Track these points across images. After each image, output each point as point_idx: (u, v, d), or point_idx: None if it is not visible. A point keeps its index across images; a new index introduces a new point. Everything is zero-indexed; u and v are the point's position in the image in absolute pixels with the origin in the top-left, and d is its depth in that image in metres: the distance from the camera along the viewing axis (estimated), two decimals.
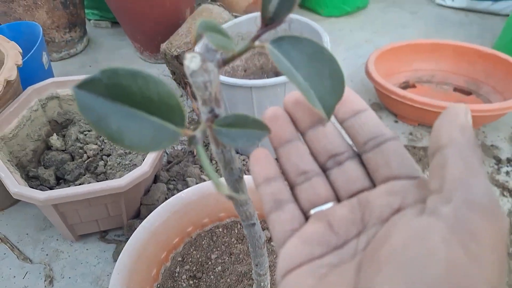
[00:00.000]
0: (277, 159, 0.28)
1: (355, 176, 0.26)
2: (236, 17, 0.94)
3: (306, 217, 0.27)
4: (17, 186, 0.57)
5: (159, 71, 1.21)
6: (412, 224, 0.20)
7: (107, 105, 0.19)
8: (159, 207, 0.54)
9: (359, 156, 0.27)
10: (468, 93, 1.05)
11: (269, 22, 0.21)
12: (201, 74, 0.21)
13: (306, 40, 0.21)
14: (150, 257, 0.51)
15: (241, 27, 0.91)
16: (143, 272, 0.50)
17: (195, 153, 0.87)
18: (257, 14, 0.93)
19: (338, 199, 0.27)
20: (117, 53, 1.33)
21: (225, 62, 0.22)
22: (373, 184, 0.26)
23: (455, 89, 1.07)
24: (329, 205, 0.26)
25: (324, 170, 0.28)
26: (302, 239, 0.25)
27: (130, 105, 0.19)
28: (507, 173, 0.87)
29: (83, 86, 0.19)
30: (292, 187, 0.28)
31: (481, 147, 0.92)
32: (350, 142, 0.28)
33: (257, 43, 0.22)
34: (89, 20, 1.48)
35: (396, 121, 0.99)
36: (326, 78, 0.22)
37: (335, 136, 0.27)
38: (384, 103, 1.01)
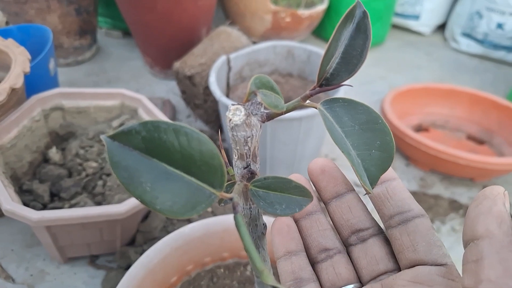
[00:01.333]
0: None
1: (379, 256, 0.25)
2: (254, 43, 0.93)
3: None
4: (10, 203, 0.53)
5: (168, 88, 1.19)
6: None
7: (143, 161, 0.16)
8: (159, 242, 0.51)
9: (383, 234, 0.26)
10: (481, 142, 1.04)
11: (324, 83, 0.19)
12: (243, 128, 0.19)
13: (361, 106, 0.19)
14: None
15: (259, 54, 0.90)
16: None
17: None
18: (276, 43, 0.92)
19: (360, 280, 0.26)
20: (126, 65, 1.32)
21: (269, 117, 0.20)
22: (397, 265, 0.25)
23: (468, 137, 1.06)
24: (351, 287, 0.25)
25: (347, 245, 0.27)
26: None
27: (168, 163, 0.17)
28: None
29: (118, 137, 0.16)
30: (313, 264, 0.27)
31: None
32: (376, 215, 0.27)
33: (307, 102, 0.20)
34: (101, 28, 1.47)
35: (407, 165, 0.97)
36: (375, 149, 0.20)
37: (360, 210, 0.26)
38: (396, 145, 1.00)
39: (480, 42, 1.41)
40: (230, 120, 0.18)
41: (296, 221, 0.27)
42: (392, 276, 0.24)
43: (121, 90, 0.79)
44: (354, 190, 0.27)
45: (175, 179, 0.17)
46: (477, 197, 0.21)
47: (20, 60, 0.67)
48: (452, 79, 1.33)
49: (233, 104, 0.18)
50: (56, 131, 0.76)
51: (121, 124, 0.80)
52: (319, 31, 1.51)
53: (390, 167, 0.25)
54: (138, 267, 0.47)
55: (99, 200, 0.68)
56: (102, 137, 0.16)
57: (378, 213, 0.26)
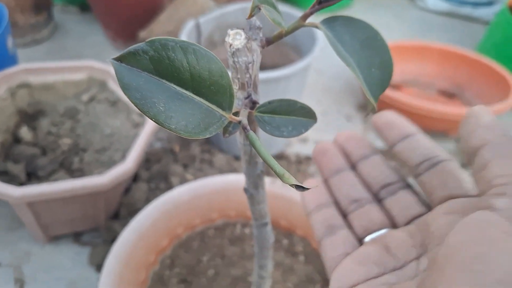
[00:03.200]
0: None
1: (410, 202, 0.26)
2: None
3: (361, 244, 0.26)
4: None
5: None
6: (468, 221, 0.19)
7: (154, 82, 0.17)
8: (148, 207, 0.51)
9: (412, 188, 0.27)
10: (451, 96, 1.08)
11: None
12: (245, 53, 0.20)
13: (361, 22, 0.20)
14: (138, 260, 0.49)
15: (228, 17, 0.90)
16: (132, 276, 0.47)
17: (176, 151, 0.85)
18: (245, 5, 0.92)
19: (394, 226, 0.27)
20: (87, 40, 1.28)
21: (269, 42, 0.21)
22: (430, 209, 0.25)
23: (439, 92, 1.10)
24: (385, 231, 0.26)
25: (378, 199, 0.28)
26: (358, 260, 0.24)
27: (178, 83, 0.17)
28: None
29: (125, 59, 0.17)
30: (345, 216, 0.28)
31: None
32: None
33: (308, 21, 0.20)
34: (56, 4, 1.42)
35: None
36: (376, 67, 0.21)
37: (386, 167, 0.28)
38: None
39: None
40: (231, 45, 0.19)
41: (327, 180, 0.28)
42: (426, 214, 0.25)
43: (88, 62, 0.77)
44: (379, 152, 0.29)
45: (186, 100, 0.17)
46: (464, 119, 0.23)
47: None
48: (421, 38, 1.36)
49: (231, 29, 0.19)
50: (25, 110, 0.74)
51: (92, 98, 0.79)
52: None
53: (409, 122, 0.27)
54: (130, 232, 0.48)
55: (78, 176, 0.68)
56: (110, 60, 0.17)
57: (406, 165, 0.27)
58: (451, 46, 1.08)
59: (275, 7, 0.19)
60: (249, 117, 0.21)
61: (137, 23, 1.09)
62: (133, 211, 0.70)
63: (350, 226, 0.27)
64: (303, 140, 0.93)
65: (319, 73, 1.18)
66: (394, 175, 0.27)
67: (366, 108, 1.05)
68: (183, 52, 0.17)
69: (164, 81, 0.17)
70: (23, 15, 1.16)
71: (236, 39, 0.19)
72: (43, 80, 0.75)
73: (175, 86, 0.17)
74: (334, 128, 0.99)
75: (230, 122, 0.19)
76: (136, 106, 0.17)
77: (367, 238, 0.26)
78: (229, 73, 0.19)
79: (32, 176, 0.68)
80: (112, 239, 0.68)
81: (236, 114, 0.21)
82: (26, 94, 0.74)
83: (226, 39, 0.19)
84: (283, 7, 0.91)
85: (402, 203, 0.26)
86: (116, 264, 0.45)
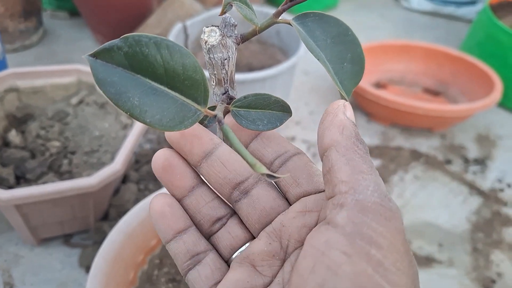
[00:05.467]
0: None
1: (268, 204, 0.23)
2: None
3: (229, 265, 0.24)
4: None
5: None
6: (314, 243, 0.19)
7: (128, 77, 0.17)
8: (136, 207, 0.51)
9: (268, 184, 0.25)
10: (436, 94, 1.10)
11: None
12: (220, 50, 0.20)
13: (331, 18, 0.21)
14: (126, 260, 0.49)
15: (215, 20, 0.90)
16: (120, 276, 0.47)
17: None
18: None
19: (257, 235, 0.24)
20: (76, 45, 1.28)
21: (244, 39, 0.21)
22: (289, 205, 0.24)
23: (425, 90, 1.11)
24: (247, 245, 0.24)
25: (232, 203, 0.25)
26: None
27: (153, 78, 0.18)
28: (474, 172, 0.91)
29: (100, 54, 0.17)
30: (209, 237, 0.25)
31: (450, 147, 0.96)
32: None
33: (280, 18, 0.21)
34: (45, 10, 1.41)
35: (368, 121, 1.02)
36: (347, 61, 0.22)
37: (234, 162, 0.23)
38: (357, 102, 1.03)
39: None
40: (206, 42, 0.19)
41: (180, 201, 0.24)
42: (281, 214, 0.23)
43: (76, 65, 0.77)
44: (223, 143, 0.24)
45: (161, 94, 0.18)
46: (322, 116, 0.22)
47: None
48: (406, 37, 1.38)
49: (207, 26, 0.19)
50: (13, 114, 0.74)
51: (80, 101, 0.79)
52: None
53: None
54: (117, 233, 0.48)
55: (67, 178, 0.68)
56: (85, 56, 0.17)
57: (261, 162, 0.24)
58: (435, 45, 1.10)
59: (247, 4, 0.20)
60: (226, 112, 0.22)
61: (127, 27, 1.09)
62: (123, 212, 0.70)
63: (216, 248, 0.25)
64: (290, 138, 0.94)
65: (306, 74, 1.19)
66: (243, 169, 0.24)
67: (352, 107, 1.06)
68: (156, 47, 0.17)
69: (138, 76, 0.17)
70: (12, 21, 1.15)
71: (211, 36, 0.19)
72: (32, 84, 0.75)
73: (149, 81, 0.17)
74: None
75: (206, 116, 0.20)
76: (111, 100, 0.17)
77: (234, 256, 0.24)
78: (206, 71, 0.19)
79: (21, 179, 0.68)
80: (102, 240, 0.67)
81: (213, 108, 0.21)
82: (15, 98, 0.74)
83: (202, 36, 0.20)
84: (262, 8, 0.92)
85: (259, 207, 0.23)
86: (103, 265, 0.45)
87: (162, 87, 0.18)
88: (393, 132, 0.99)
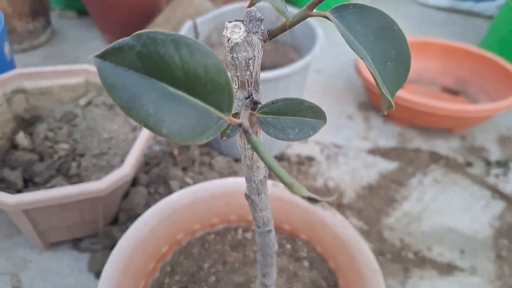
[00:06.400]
0: None
1: None
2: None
3: None
4: None
5: None
6: None
7: (142, 81, 0.15)
8: (146, 213, 0.49)
9: None
10: (455, 93, 1.06)
11: None
12: (245, 48, 0.18)
13: (374, 11, 0.18)
14: (137, 268, 0.47)
15: (226, 18, 0.88)
16: (131, 285, 0.45)
17: (175, 154, 0.83)
18: (243, 4, 0.90)
19: None
20: (84, 46, 1.27)
21: (272, 35, 0.19)
22: None
23: (443, 89, 1.08)
24: None
25: None
26: None
27: (170, 82, 0.15)
28: (497, 175, 0.87)
29: (109, 55, 0.15)
30: None
31: (470, 149, 0.93)
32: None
33: (315, 11, 0.18)
34: (53, 9, 1.40)
35: (385, 122, 0.99)
36: (391, 60, 0.19)
37: None
38: (373, 102, 1.01)
39: None
40: (229, 39, 0.17)
41: None
42: None
43: (84, 66, 0.75)
44: None
45: (179, 101, 0.15)
46: None
47: None
48: (422, 34, 1.34)
49: (230, 21, 0.17)
50: (21, 116, 0.72)
51: (89, 102, 0.77)
52: None
53: None
54: (127, 240, 0.46)
55: (76, 181, 0.66)
56: (91, 57, 0.15)
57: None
58: (454, 42, 1.07)
59: None
60: (251, 119, 0.19)
61: (135, 26, 1.07)
62: (132, 216, 0.69)
63: None
64: (304, 140, 0.92)
65: (319, 72, 1.16)
66: None
67: (368, 107, 1.03)
68: (174, 46, 0.15)
69: (154, 79, 0.15)
70: (20, 21, 1.14)
71: (235, 32, 0.17)
72: (39, 85, 0.73)
73: (166, 85, 0.15)
74: (335, 127, 0.97)
75: (229, 125, 0.17)
76: (122, 109, 0.15)
77: None
78: (228, 72, 0.17)
79: (29, 183, 0.66)
80: (111, 245, 0.66)
81: (236, 115, 0.19)
82: (22, 100, 0.73)
83: (224, 32, 0.17)
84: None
85: None
86: (114, 273, 0.43)
87: (181, 92, 0.15)
88: (411, 133, 0.96)
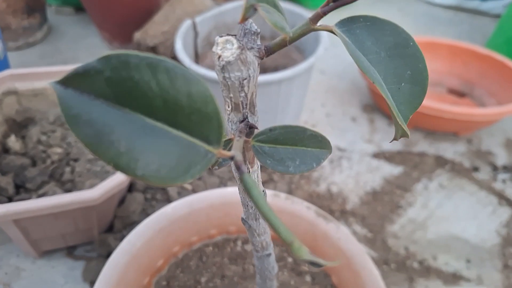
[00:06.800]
0: None
1: None
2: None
3: None
4: None
5: None
6: None
7: (112, 112, 0.12)
8: (141, 225, 0.47)
9: None
10: (462, 95, 1.04)
11: None
12: (238, 67, 0.15)
13: (388, 24, 0.16)
14: (130, 283, 0.45)
15: (226, 16, 0.85)
16: None
17: None
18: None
19: None
20: (82, 43, 1.24)
21: (269, 51, 0.16)
22: None
23: (449, 91, 1.05)
24: None
25: None
26: None
27: (146, 113, 0.13)
28: (504, 181, 0.85)
29: (71, 81, 0.12)
30: None
31: (477, 153, 0.90)
32: None
33: (319, 24, 0.16)
34: (50, 5, 1.37)
35: (390, 124, 0.96)
36: (406, 81, 0.16)
37: None
38: (377, 104, 0.98)
39: None
40: (220, 56, 0.15)
41: None
42: None
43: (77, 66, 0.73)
44: None
45: (158, 135, 0.13)
46: None
47: None
48: (427, 33, 1.31)
49: (221, 36, 0.15)
50: (13, 118, 0.70)
51: None
52: None
53: None
54: (120, 254, 0.44)
55: (69, 187, 0.64)
56: (50, 83, 0.12)
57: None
58: (460, 42, 1.04)
59: (276, 7, 0.15)
60: (245, 147, 0.17)
61: (134, 24, 1.04)
62: (128, 224, 0.66)
63: None
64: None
65: (323, 73, 1.13)
66: None
67: (372, 109, 1.00)
68: (151, 71, 0.12)
69: (126, 110, 0.12)
70: (15, 17, 1.12)
71: (227, 48, 0.15)
72: (32, 86, 0.71)
73: (142, 116, 0.13)
74: (339, 130, 0.94)
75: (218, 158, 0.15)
76: (87, 147, 0.12)
77: None
78: (216, 101, 0.14)
79: (20, 189, 0.64)
80: (107, 254, 0.64)
81: (229, 142, 0.17)
82: (14, 101, 0.70)
83: (214, 48, 0.15)
84: (283, 4, 0.87)
85: None
86: None
87: (160, 124, 0.13)
88: (416, 136, 0.93)
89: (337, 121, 0.97)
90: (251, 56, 0.15)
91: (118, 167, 0.12)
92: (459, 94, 1.04)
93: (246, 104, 0.17)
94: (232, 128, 0.18)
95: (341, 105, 1.02)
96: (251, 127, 0.17)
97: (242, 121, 0.17)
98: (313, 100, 1.02)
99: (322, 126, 0.94)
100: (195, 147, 0.13)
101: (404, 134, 0.16)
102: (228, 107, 0.17)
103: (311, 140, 0.16)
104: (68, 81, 0.12)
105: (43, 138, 0.69)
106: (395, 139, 0.17)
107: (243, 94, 0.16)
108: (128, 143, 0.12)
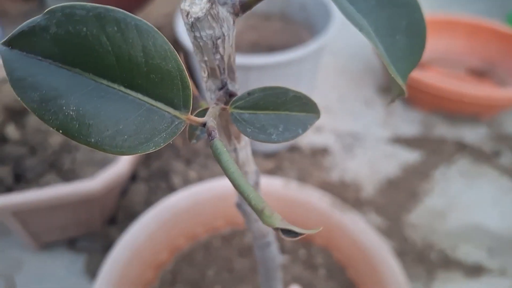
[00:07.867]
0: None
1: None
2: None
3: None
4: None
5: None
6: None
7: (60, 73, 0.11)
8: (143, 218, 0.46)
9: None
10: (482, 75, 1.00)
11: None
12: (209, 24, 0.14)
13: None
14: (134, 278, 0.44)
15: None
16: None
17: (179, 145, 0.80)
18: None
19: None
20: None
21: (244, 7, 0.15)
22: None
23: (469, 71, 1.01)
24: None
25: None
26: None
27: (98, 73, 0.12)
28: None
29: (16, 41, 0.11)
30: None
31: (498, 137, 0.87)
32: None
33: None
34: None
35: (406, 107, 0.93)
36: (401, 32, 0.15)
37: None
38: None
39: None
40: (188, 13, 0.13)
41: None
42: None
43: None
44: None
45: (113, 97, 0.12)
46: None
47: None
48: (444, 11, 1.27)
49: None
50: (12, 106, 0.70)
51: None
52: None
53: None
54: (122, 249, 0.43)
55: (70, 177, 0.63)
56: None
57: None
58: (480, 19, 1.00)
59: None
60: (223, 116, 0.15)
61: (133, 6, 1.03)
62: (132, 215, 0.66)
63: None
64: (317, 129, 0.87)
65: (334, 53, 1.10)
66: None
67: (388, 91, 0.98)
68: (99, 23, 0.11)
69: (77, 70, 0.11)
70: (13, 2, 1.12)
71: (195, 3, 0.13)
72: None
73: (93, 77, 0.11)
74: (351, 114, 0.92)
75: (194, 126, 0.14)
76: (32, 111, 0.11)
77: None
78: (178, 55, 0.13)
79: (20, 179, 0.64)
80: (109, 245, 0.63)
81: (206, 112, 0.15)
82: (12, 89, 0.70)
83: (182, 5, 0.13)
84: None
85: None
86: (107, 285, 0.40)
87: (114, 85, 0.12)
88: (435, 120, 0.91)
89: (349, 105, 0.94)
90: (224, 12, 0.14)
91: (67, 134, 0.11)
92: (479, 73, 1.00)
93: (223, 69, 0.15)
94: (211, 98, 0.16)
95: (353, 87, 0.99)
96: (231, 95, 0.16)
97: (221, 89, 0.16)
98: (323, 82, 0.99)
99: (334, 109, 0.92)
100: (158, 112, 0.12)
101: (401, 93, 0.14)
102: (205, 73, 0.15)
103: (294, 103, 0.15)
104: (13, 42, 0.11)
105: (43, 126, 0.68)
106: (391, 100, 0.15)
107: (218, 57, 0.15)
108: (78, 108, 0.11)
